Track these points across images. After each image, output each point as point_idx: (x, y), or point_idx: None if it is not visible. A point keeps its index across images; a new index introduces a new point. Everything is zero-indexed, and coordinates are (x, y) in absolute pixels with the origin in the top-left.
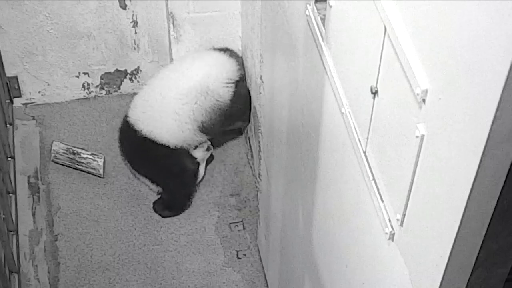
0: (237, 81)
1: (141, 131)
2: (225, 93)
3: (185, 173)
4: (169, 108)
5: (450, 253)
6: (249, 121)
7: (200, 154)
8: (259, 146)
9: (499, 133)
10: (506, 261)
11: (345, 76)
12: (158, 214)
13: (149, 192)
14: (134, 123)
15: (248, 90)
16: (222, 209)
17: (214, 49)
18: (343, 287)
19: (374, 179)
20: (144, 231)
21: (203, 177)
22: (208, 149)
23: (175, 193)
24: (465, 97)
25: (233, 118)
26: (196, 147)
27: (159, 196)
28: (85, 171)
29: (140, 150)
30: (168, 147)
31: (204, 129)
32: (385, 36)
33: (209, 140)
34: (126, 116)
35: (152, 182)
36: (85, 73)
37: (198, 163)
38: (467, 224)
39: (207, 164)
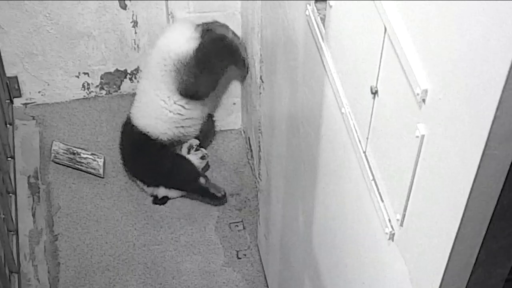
0: (201, 36)
1: (137, 126)
2: (185, 48)
3: (181, 174)
4: (151, 92)
5: (450, 253)
6: (241, 62)
7: (194, 161)
8: (259, 146)
9: (499, 133)
10: (506, 261)
11: (345, 76)
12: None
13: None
14: (132, 118)
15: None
16: (222, 209)
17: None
18: (343, 287)
19: (374, 179)
20: (144, 231)
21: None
22: (203, 158)
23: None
24: (465, 97)
25: (208, 65)
26: (189, 150)
27: (153, 197)
28: (85, 171)
29: (134, 148)
30: (161, 143)
31: (185, 91)
32: (385, 36)
33: (196, 127)
34: (129, 112)
35: (144, 183)
36: (85, 73)
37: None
38: (467, 224)
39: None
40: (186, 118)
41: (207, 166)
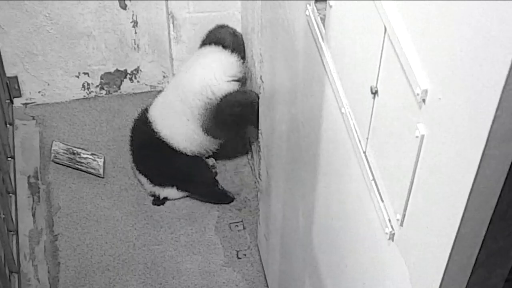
0: (242, 79)
1: (158, 132)
2: (226, 90)
3: (202, 180)
4: (180, 111)
5: (450, 253)
6: (257, 128)
7: None
8: (259, 146)
9: (499, 133)
10: (506, 261)
11: (345, 76)
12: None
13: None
14: (152, 122)
15: (256, 93)
16: (222, 209)
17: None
18: (343, 287)
19: (374, 179)
20: (144, 231)
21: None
22: (213, 167)
23: (202, 194)
24: (465, 97)
25: (226, 127)
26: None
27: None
28: (85, 171)
29: (150, 149)
30: (184, 154)
31: (207, 130)
32: (385, 36)
33: (217, 150)
34: (146, 111)
35: (151, 181)
36: (85, 73)
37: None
38: (467, 224)
39: None
40: (208, 142)
41: (215, 174)
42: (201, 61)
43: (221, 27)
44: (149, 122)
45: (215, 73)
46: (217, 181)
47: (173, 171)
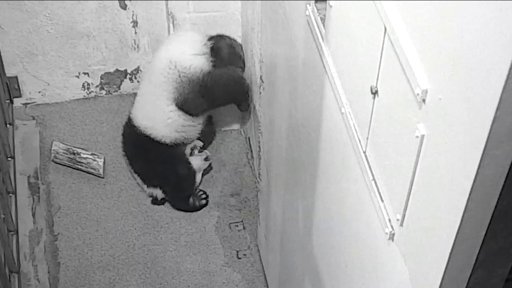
0: (208, 53)
1: (138, 127)
2: (193, 64)
3: (180, 177)
4: (152, 95)
5: (450, 253)
6: (247, 91)
7: (197, 162)
8: (259, 146)
9: (499, 133)
10: (506, 261)
11: (345, 76)
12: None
13: None
14: (133, 118)
15: (240, 71)
16: (222, 209)
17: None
18: (343, 287)
19: (374, 179)
20: (144, 231)
21: (198, 186)
22: (206, 159)
23: (172, 197)
24: (465, 97)
25: (212, 96)
26: (192, 152)
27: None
28: (85, 171)
29: (137, 147)
30: (164, 144)
31: (181, 105)
32: (385, 36)
33: (199, 136)
34: (130, 112)
35: (144, 182)
36: (85, 73)
37: (195, 171)
38: (467, 224)
39: (204, 174)
40: (185, 125)
41: (209, 168)
42: (165, 45)
43: (220, 37)
44: (131, 119)
45: (178, 49)
46: (194, 180)
47: (156, 167)
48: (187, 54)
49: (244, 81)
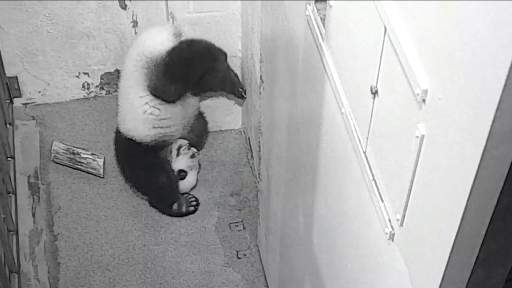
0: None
1: (123, 133)
2: (159, 48)
3: (159, 185)
4: (127, 93)
5: (450, 253)
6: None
7: (184, 162)
8: (259, 146)
9: (499, 133)
10: (506, 261)
11: (345, 76)
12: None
13: None
14: (119, 125)
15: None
16: (222, 209)
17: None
18: (343, 287)
19: (374, 179)
20: (144, 231)
21: (195, 186)
22: (193, 156)
23: (156, 204)
24: (465, 97)
25: (177, 70)
26: (178, 152)
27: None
28: (85, 171)
29: (124, 155)
30: (146, 145)
31: (154, 91)
32: (385, 36)
33: (182, 135)
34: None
35: (133, 190)
36: (85, 73)
37: (179, 176)
38: (467, 224)
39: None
40: (162, 119)
41: (198, 166)
42: (132, 45)
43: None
44: (117, 127)
45: (145, 41)
46: (176, 188)
47: (139, 174)
48: (155, 41)
49: (211, 45)
